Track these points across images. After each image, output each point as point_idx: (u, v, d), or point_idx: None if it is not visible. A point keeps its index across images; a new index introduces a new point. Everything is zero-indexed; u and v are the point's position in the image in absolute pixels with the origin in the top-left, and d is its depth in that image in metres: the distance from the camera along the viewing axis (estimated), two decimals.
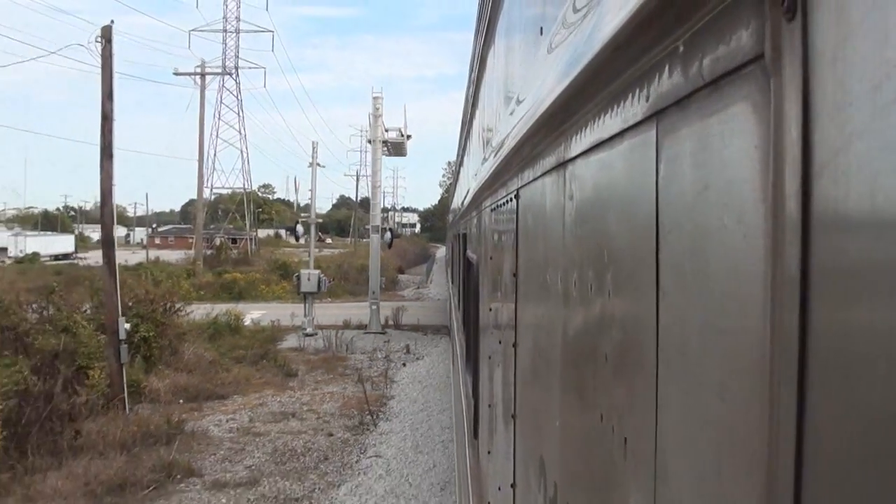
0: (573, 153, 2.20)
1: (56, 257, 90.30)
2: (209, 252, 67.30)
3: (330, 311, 34.21)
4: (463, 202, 12.70)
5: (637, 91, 1.49)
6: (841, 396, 0.78)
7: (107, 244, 19.00)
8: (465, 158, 13.39)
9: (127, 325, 18.01)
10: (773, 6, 0.91)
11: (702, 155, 1.20)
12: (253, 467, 14.53)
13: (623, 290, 1.70)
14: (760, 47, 0.94)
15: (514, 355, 3.84)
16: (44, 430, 13.90)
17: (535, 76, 2.84)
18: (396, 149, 39.07)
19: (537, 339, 3.07)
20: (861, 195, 0.75)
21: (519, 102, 3.46)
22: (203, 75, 60.39)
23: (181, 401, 19.02)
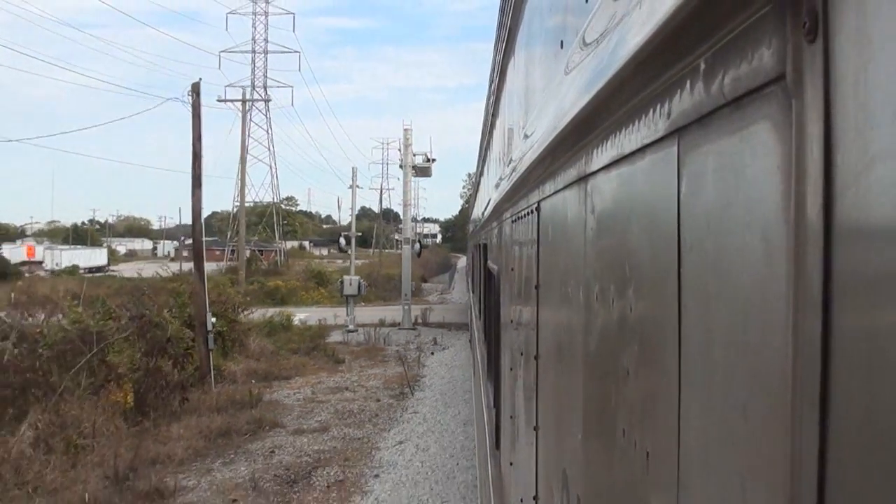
0: (594, 167, 2.21)
1: (90, 270, 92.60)
2: (234, 263, 69.79)
3: (365, 313, 39.24)
4: (483, 213, 12.71)
5: (658, 107, 1.50)
6: (862, 419, 0.78)
7: (198, 256, 23.78)
8: (486, 169, 13.40)
9: (213, 319, 22.54)
10: (794, 28, 0.92)
11: (724, 173, 1.20)
12: (321, 421, 19.24)
13: (645, 305, 1.70)
14: (782, 68, 0.95)
15: (536, 367, 3.84)
16: (159, 398, 18.79)
17: (555, 89, 2.85)
18: (423, 171, 43.46)
19: (559, 351, 3.07)
20: (883, 218, 0.75)
21: (539, 115, 3.47)
22: (244, 101, 63.58)
23: (253, 381, 23.49)
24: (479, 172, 17.29)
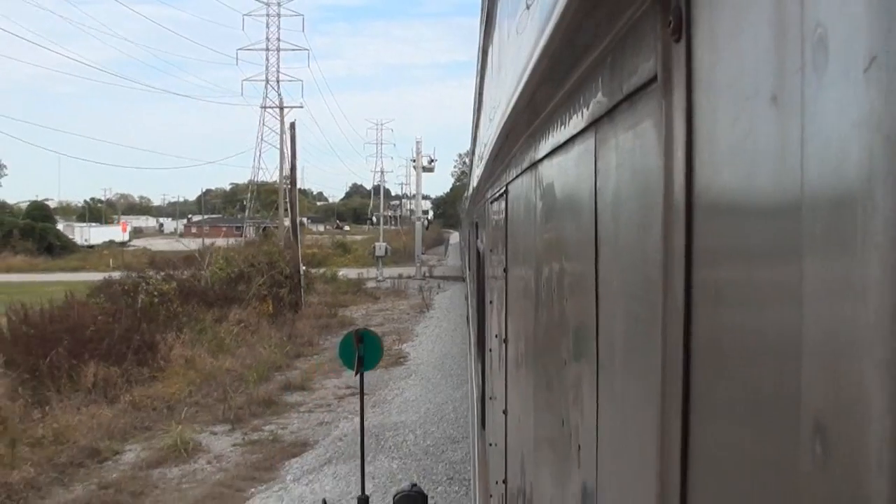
0: (540, 155, 2.20)
1: (108, 244, 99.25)
2: (247, 238, 75.88)
3: (385, 271, 54.06)
4: (472, 193, 12.69)
5: (580, 100, 1.49)
6: (715, 375, 0.78)
7: (294, 227, 39.97)
8: (475, 150, 13.36)
9: (304, 268, 36.22)
10: (662, 26, 0.90)
11: (623, 168, 1.19)
12: (378, 322, 31.38)
13: (572, 292, 1.70)
14: (657, 67, 0.94)
15: (505, 350, 3.85)
16: (282, 308, 31.44)
17: (510, 76, 2.83)
18: (427, 169, 60.49)
19: (518, 334, 3.07)
20: (727, 230, 0.75)
21: (501, 102, 3.46)
22: (281, 108, 72.67)
23: (326, 306, 36.30)
24: (471, 153, 17.24)
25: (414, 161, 59.59)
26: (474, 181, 13.27)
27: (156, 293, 25.04)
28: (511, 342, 3.48)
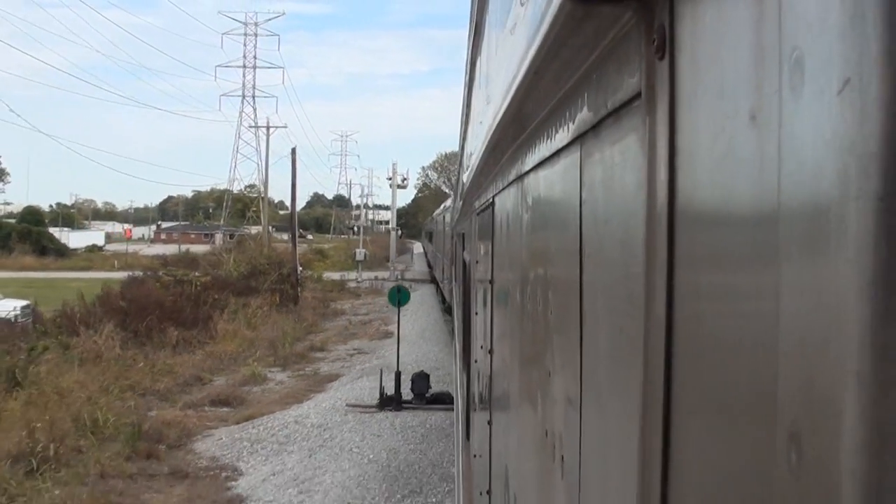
0: (526, 167, 2.22)
1: (90, 250, 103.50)
2: (224, 244, 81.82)
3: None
4: (462, 203, 12.71)
5: (566, 115, 1.50)
6: (696, 382, 0.80)
7: (293, 236, 46.57)
8: (463, 161, 13.39)
9: (301, 268, 43.94)
10: (647, 44, 0.92)
11: (608, 182, 1.21)
12: (363, 313, 40.18)
13: (557, 304, 1.72)
14: (640, 84, 0.96)
15: (490, 361, 3.86)
16: (285, 300, 38.08)
17: (497, 89, 2.85)
18: (401, 187, 72.45)
19: (503, 345, 3.08)
20: (707, 240, 0.76)
21: (488, 113, 3.48)
22: (268, 128, 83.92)
23: (318, 302, 43.10)
24: (459, 164, 17.28)
25: (390, 179, 70.94)
26: (461, 193, 13.30)
27: (198, 284, 33.88)
28: (496, 353, 3.50)
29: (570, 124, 1.48)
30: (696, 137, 0.78)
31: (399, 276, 59.38)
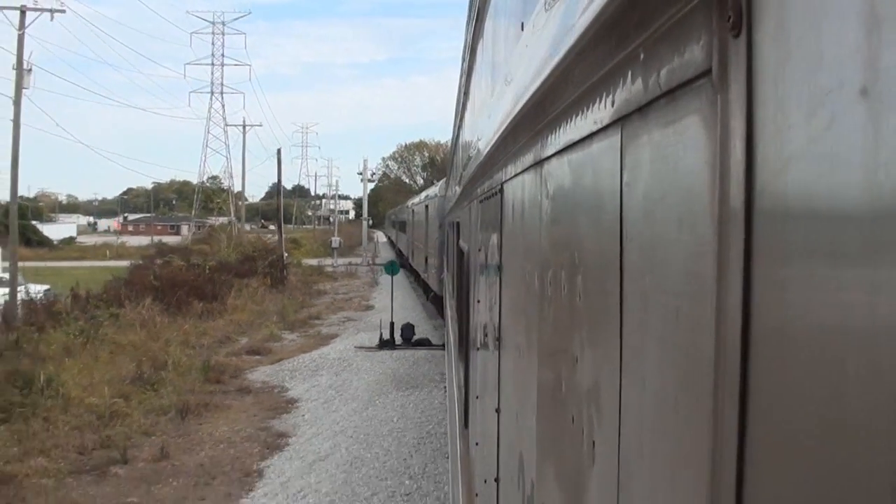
0: (548, 152, 2.19)
1: (66, 241, 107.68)
2: (194, 234, 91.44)
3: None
4: (456, 191, 12.68)
5: (604, 96, 1.48)
6: (781, 403, 0.78)
7: (279, 227, 58.79)
8: (458, 147, 13.36)
9: (286, 254, 51.57)
10: (719, 21, 0.90)
11: (660, 164, 1.19)
12: (343, 292, 46.70)
13: (590, 291, 1.70)
14: (709, 62, 0.93)
15: (499, 349, 3.84)
16: (274, 281, 44.45)
17: (514, 71, 2.82)
18: (371, 181, 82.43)
19: (517, 332, 3.07)
20: (799, 217, 0.74)
21: (501, 97, 3.45)
22: (244, 126, 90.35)
23: (302, 284, 48.74)
24: (453, 150, 17.24)
25: (360, 173, 78.05)
26: (456, 179, 13.28)
27: (208, 267, 40.62)
28: (507, 340, 3.48)
29: (608, 106, 1.45)
30: (785, 116, 0.76)
31: (371, 262, 67.70)
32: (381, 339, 26.37)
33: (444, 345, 23.77)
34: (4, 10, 36.41)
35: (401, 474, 14.04)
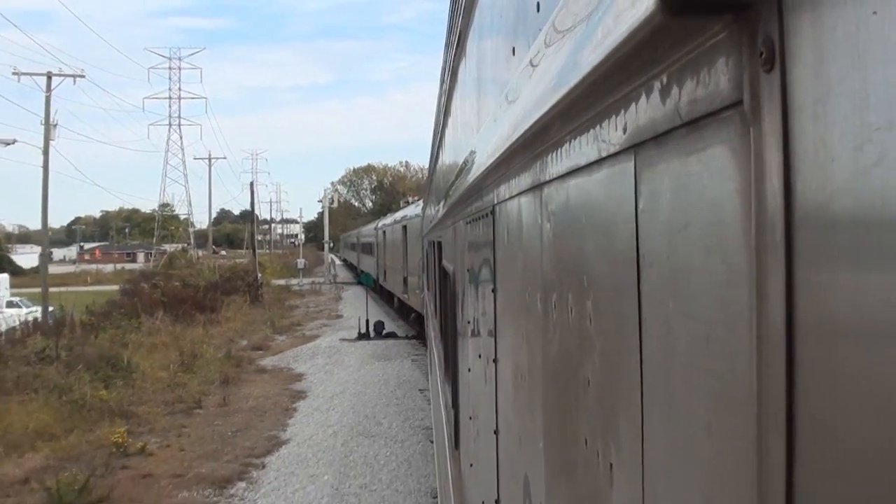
0: (549, 176, 2.21)
1: (35, 270, 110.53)
2: (153, 263, 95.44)
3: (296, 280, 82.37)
4: (437, 211, 12.69)
5: (616, 123, 1.50)
6: (827, 441, 0.79)
7: (253, 251, 68.33)
8: (438, 166, 13.39)
9: (260, 274, 60.52)
10: (750, 56, 0.92)
11: (682, 192, 1.21)
12: (313, 306, 56.12)
13: (605, 319, 1.71)
14: (739, 94, 0.95)
15: (496, 371, 3.85)
16: (252, 297, 52.02)
17: (509, 96, 2.85)
18: (331, 209, 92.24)
19: (516, 354, 3.07)
20: (842, 251, 0.76)
21: (495, 120, 3.47)
22: (210, 160, 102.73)
23: (275, 301, 56.42)
24: (432, 169, 17.28)
25: (321, 201, 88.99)
26: (436, 198, 13.29)
27: (200, 286, 47.55)
28: (506, 362, 3.49)
29: (621, 132, 1.47)
30: (827, 151, 0.78)
31: (332, 280, 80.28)
32: (359, 332, 36.44)
33: (406, 336, 36.69)
34: (35, 77, 46.08)
35: (390, 397, 24.12)
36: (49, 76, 44.98)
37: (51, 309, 38.85)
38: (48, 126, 43.35)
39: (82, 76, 47.73)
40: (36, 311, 38.78)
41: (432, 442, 15.87)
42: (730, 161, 1.01)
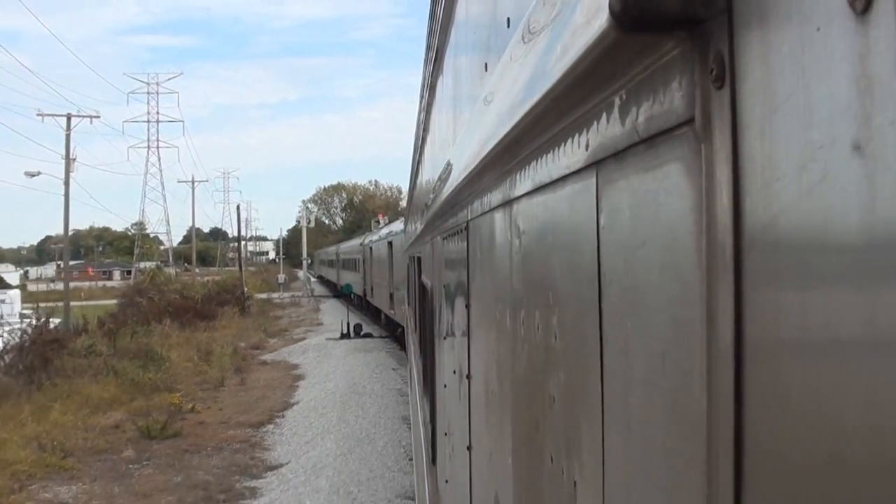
0: (519, 192, 2.21)
1: (21, 287, 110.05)
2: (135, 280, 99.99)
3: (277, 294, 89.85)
4: (416, 226, 12.68)
5: (578, 140, 1.50)
6: (774, 457, 0.78)
7: (240, 267, 78.77)
8: (418, 182, 13.39)
9: (246, 288, 67.68)
10: (702, 73, 0.92)
11: (639, 210, 1.20)
12: (295, 316, 61.57)
13: (569, 336, 1.70)
14: (691, 111, 0.95)
15: (468, 385, 3.83)
16: (240, 307, 58.92)
17: (479, 113, 2.85)
18: (308, 228, 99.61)
19: (487, 370, 3.06)
20: (787, 270, 0.75)
21: (466, 136, 3.47)
22: (193, 182, 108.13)
23: (259, 312, 62.42)
24: (412, 185, 17.28)
25: (298, 220, 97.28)
26: (416, 214, 13.28)
27: (198, 298, 53.58)
28: (478, 378, 3.47)
29: (583, 149, 1.47)
30: (773, 169, 0.77)
31: (310, 294, 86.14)
32: (341, 333, 41.82)
33: (381, 336, 42.07)
34: (57, 118, 55.31)
35: (370, 373, 29.87)
36: (69, 117, 54.19)
37: (58, 320, 41.61)
38: (68, 160, 51.24)
39: (97, 116, 58.96)
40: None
41: (404, 397, 23.67)
42: (684, 179, 1.01)
